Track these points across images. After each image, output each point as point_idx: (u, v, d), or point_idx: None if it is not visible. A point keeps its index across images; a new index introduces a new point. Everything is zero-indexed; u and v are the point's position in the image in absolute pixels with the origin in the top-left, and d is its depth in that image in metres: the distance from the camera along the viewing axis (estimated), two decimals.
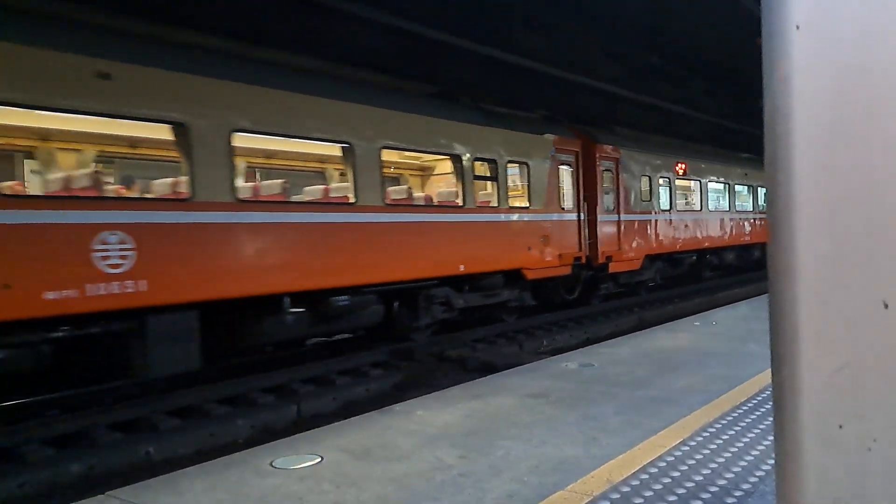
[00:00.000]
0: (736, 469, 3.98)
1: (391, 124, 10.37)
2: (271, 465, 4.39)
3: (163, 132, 7.99)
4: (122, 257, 7.18)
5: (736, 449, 4.33)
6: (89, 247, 6.92)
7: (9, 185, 7.48)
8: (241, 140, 8.51)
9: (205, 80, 8.03)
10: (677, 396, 5.74)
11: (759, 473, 3.89)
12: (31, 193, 8.21)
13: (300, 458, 4.51)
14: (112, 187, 8.70)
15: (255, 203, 9.05)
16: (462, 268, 11.62)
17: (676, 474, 3.94)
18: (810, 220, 1.31)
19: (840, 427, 1.32)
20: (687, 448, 4.38)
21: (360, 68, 11.45)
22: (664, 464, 4.11)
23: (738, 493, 3.63)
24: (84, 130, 8.53)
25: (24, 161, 8.74)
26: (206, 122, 7.92)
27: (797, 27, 1.32)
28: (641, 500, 3.58)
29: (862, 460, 1.33)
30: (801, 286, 1.30)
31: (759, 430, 4.67)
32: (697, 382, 6.23)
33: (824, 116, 1.32)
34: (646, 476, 3.93)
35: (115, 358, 7.63)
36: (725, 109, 23.30)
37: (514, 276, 13.10)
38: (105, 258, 7.05)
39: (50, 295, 6.62)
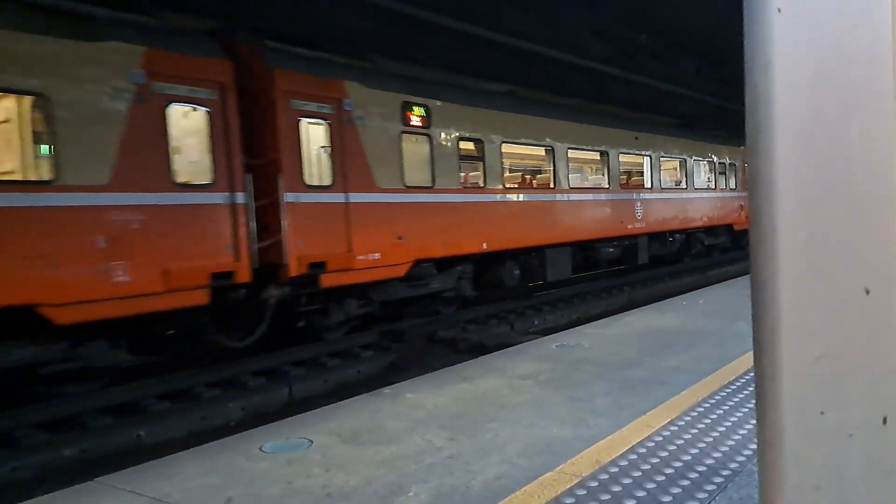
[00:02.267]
0: (724, 448, 4.01)
1: (699, 149, 20.91)
2: (261, 449, 4.40)
3: (640, 159, 17.96)
4: (641, 211, 16.87)
5: (724, 428, 4.36)
6: (635, 207, 16.79)
7: (578, 184, 16.04)
8: (666, 163, 19.05)
9: (611, 131, 16.73)
10: (666, 376, 5.77)
11: (746, 452, 3.92)
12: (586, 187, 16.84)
13: (290, 442, 4.52)
14: (634, 182, 18.31)
15: (668, 189, 19.20)
16: (714, 221, 21.75)
17: (665, 454, 3.96)
18: (792, 207, 1.29)
19: (822, 414, 1.32)
20: (675, 428, 4.41)
21: (338, 48, 11.31)
22: (652, 444, 4.14)
23: (725, 473, 3.66)
24: (629, 161, 17.60)
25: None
26: (658, 153, 18.38)
27: (778, 10, 1.29)
28: (630, 481, 3.61)
29: (843, 447, 1.33)
30: (782, 274, 1.29)
31: (746, 410, 4.70)
32: (686, 362, 6.27)
33: (806, 102, 1.30)
34: (634, 456, 3.95)
35: (626, 258, 17.36)
36: (715, 87, 23.29)
37: (727, 228, 23.28)
38: (637, 211, 16.75)
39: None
